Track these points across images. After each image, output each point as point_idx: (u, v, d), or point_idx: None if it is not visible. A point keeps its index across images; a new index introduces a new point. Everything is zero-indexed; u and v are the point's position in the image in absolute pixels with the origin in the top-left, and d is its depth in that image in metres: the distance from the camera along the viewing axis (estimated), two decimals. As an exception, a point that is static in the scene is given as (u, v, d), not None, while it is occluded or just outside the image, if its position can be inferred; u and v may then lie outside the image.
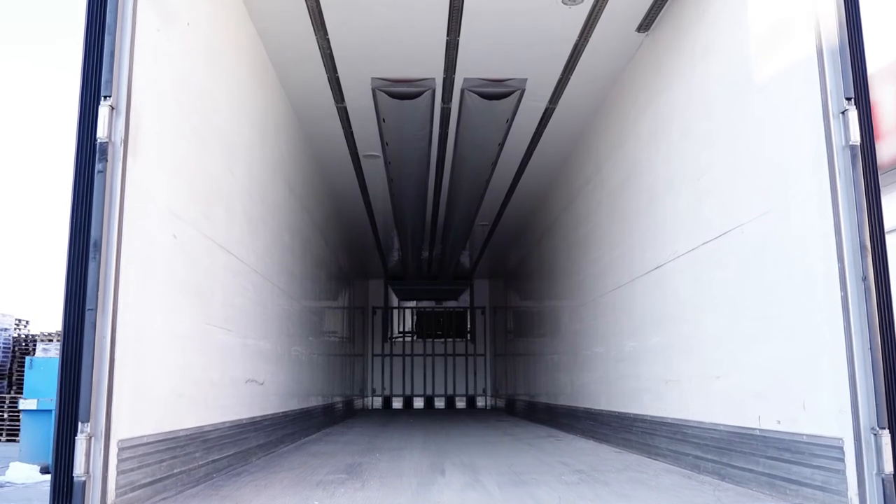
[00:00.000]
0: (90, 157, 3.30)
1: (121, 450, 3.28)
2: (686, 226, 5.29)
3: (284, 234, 7.34)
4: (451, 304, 20.38)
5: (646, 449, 6.09)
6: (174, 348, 4.01)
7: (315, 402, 9.51)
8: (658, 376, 5.87)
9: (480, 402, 19.72)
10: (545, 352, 11.21)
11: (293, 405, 7.76)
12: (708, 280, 4.87)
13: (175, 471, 4.00)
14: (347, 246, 13.64)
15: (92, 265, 3.19)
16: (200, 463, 4.43)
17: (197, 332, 4.45)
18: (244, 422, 5.57)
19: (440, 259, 16.65)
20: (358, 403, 16.84)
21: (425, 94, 7.21)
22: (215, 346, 4.83)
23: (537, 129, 8.35)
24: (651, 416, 6.00)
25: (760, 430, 4.14)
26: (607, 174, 7.49)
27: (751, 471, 4.23)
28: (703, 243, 4.95)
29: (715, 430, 4.73)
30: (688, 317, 5.24)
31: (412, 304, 20.42)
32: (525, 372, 13.65)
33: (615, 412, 7.12)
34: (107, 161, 3.26)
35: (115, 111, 3.33)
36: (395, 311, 20.30)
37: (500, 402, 17.88)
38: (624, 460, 5.79)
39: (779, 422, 3.95)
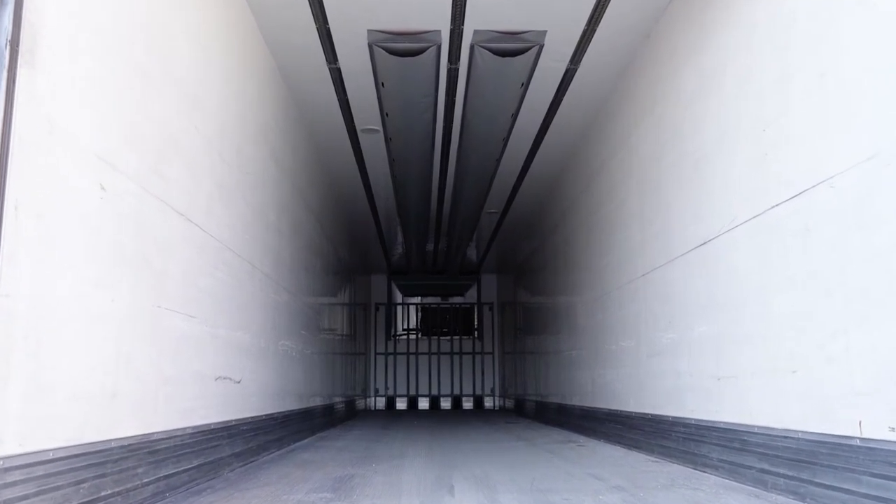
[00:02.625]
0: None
1: (5, 471, 2.37)
2: (745, 189, 4.35)
3: (269, 211, 6.44)
4: (457, 299, 19.45)
5: (690, 458, 5.16)
6: (102, 333, 3.10)
7: (310, 402, 8.60)
8: (706, 372, 4.94)
9: (488, 403, 18.79)
10: (560, 349, 10.27)
11: (281, 406, 6.85)
12: (779, 251, 3.94)
13: (104, 493, 3.09)
14: (348, 237, 12.74)
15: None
16: (145, 480, 3.52)
17: (141, 314, 3.54)
18: (213, 427, 4.66)
19: (446, 252, 15.75)
20: (360, 404, 15.93)
21: (429, 50, 6.29)
22: (171, 334, 3.92)
23: (556, 95, 7.41)
24: (697, 420, 5.07)
25: (862, 439, 3.21)
26: (638, 144, 6.56)
27: (847, 491, 3.30)
28: (771, 207, 4.02)
29: (790, 438, 3.80)
30: (748, 298, 4.31)
31: (416, 300, 19.49)
32: (536, 371, 12.72)
33: (647, 415, 6.19)
34: (-12, 71, 2.36)
35: None
36: (399, 308, 19.38)
37: (509, 403, 16.95)
38: (667, 473, 4.86)
39: (893, 429, 3.01)
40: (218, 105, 4.87)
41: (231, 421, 5.09)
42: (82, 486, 2.89)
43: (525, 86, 7.03)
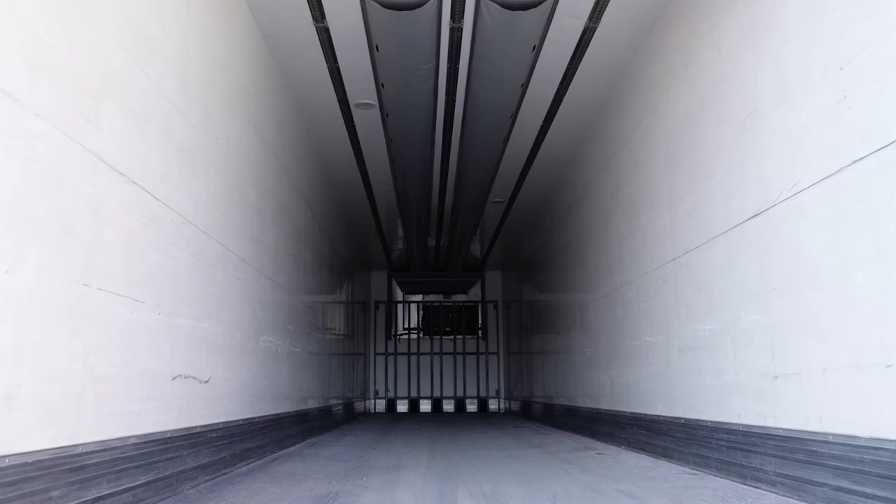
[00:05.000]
0: None
1: None
2: (812, 146, 3.57)
3: (248, 189, 5.67)
4: (460, 297, 18.66)
5: (736, 471, 4.37)
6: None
7: (299, 405, 7.83)
8: (757, 369, 4.16)
9: (493, 405, 18.00)
10: (572, 347, 9.48)
11: (262, 410, 6.07)
12: (862, 218, 3.16)
13: (-10, 528, 2.32)
14: (344, 230, 11.97)
15: None
16: (62, 507, 2.75)
17: (58, 294, 2.77)
18: (170, 435, 3.89)
19: (448, 248, 14.98)
20: (359, 406, 15.16)
21: (429, 4, 5.51)
22: (106, 322, 3.15)
23: (571, 61, 6.63)
24: (745, 426, 4.28)
25: None
26: (666, 113, 5.78)
27: (977, 523, 2.51)
28: (850, 164, 3.24)
29: (882, 449, 3.01)
30: (817, 279, 3.52)
31: (418, 297, 18.71)
32: (545, 371, 11.93)
33: (679, 419, 5.40)
34: None
35: None
36: (400, 306, 18.60)
37: (515, 405, 16.17)
38: (713, 490, 4.07)
39: None
40: (177, 52, 4.10)
41: (195, 428, 4.31)
42: (-50, 521, 2.12)
43: (537, 49, 6.25)
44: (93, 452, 3.00)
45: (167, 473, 3.82)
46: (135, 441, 3.43)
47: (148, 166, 3.63)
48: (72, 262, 2.87)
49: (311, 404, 8.72)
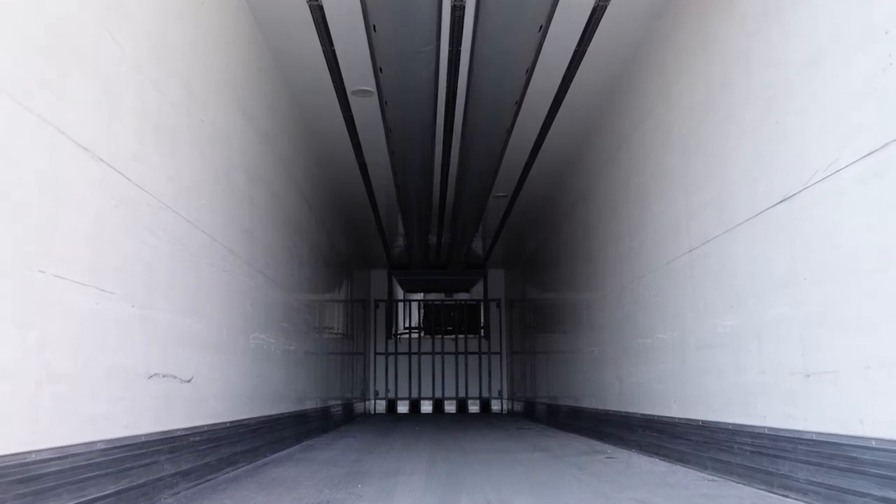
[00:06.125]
0: None
1: None
2: (853, 120, 3.23)
3: (237, 176, 5.34)
4: (462, 296, 18.31)
5: (762, 478, 4.03)
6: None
7: (295, 406, 7.50)
8: (786, 367, 3.82)
9: (496, 406, 17.66)
10: (579, 346, 9.14)
11: (253, 411, 5.74)
12: (915, 197, 2.82)
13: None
14: (343, 226, 11.64)
15: None
16: (9, 523, 2.41)
17: (6, 280, 2.44)
18: (146, 439, 3.55)
19: (450, 245, 14.64)
20: (359, 407, 14.83)
21: (429, -21, 5.18)
22: (66, 313, 2.82)
23: (580, 42, 6.29)
24: (772, 429, 3.94)
25: None
26: (680, 97, 5.45)
27: None
28: (899, 137, 2.90)
29: (939, 457, 2.68)
30: (859, 266, 3.18)
31: (419, 296, 18.37)
32: (549, 371, 11.59)
33: (696, 421, 5.06)
34: None
35: None
36: (400, 305, 18.26)
37: (518, 406, 15.83)
38: (738, 498, 3.74)
39: None
40: (153, 20, 3.77)
41: (176, 431, 3.98)
42: None
43: (543, 29, 5.90)
44: (50, 460, 2.67)
45: (141, 481, 3.49)
46: (103, 446, 3.09)
47: (119, 142, 3.30)
48: (24, 245, 2.54)
49: (308, 405, 8.40)
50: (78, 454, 2.89)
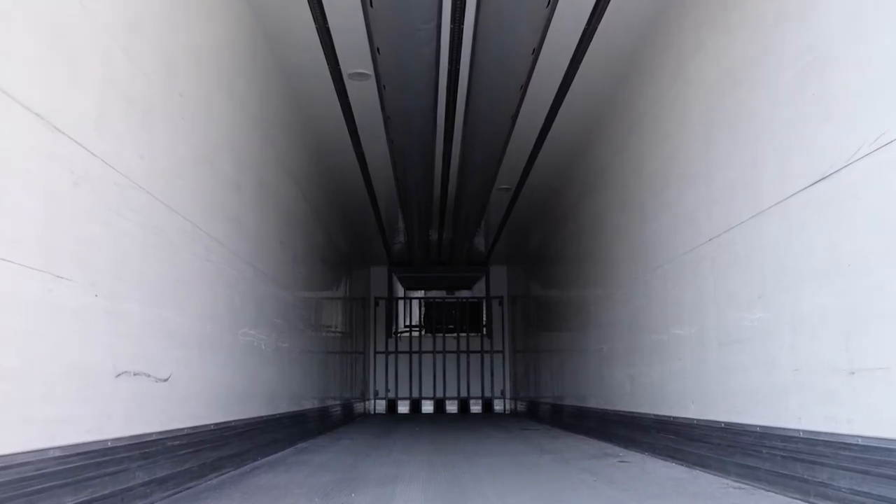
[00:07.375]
0: None
1: None
2: (907, 84, 2.86)
3: (223, 159, 4.97)
4: (464, 293, 17.93)
5: (795, 486, 3.66)
6: None
7: (290, 407, 7.13)
8: (825, 363, 3.44)
9: (498, 406, 17.27)
10: (586, 344, 8.77)
11: (241, 413, 5.37)
12: None
13: None
14: (341, 222, 11.27)
15: None
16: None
17: (-72, 261, 2.07)
18: (112, 445, 3.18)
19: (451, 241, 14.27)
20: (359, 407, 14.47)
21: (429, -53, 4.81)
22: (11, 302, 2.45)
23: (590, 19, 5.91)
24: (808, 432, 3.57)
25: None
26: (698, 74, 5.07)
27: None
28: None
29: None
30: (916, 250, 2.81)
31: (420, 294, 17.99)
32: (554, 370, 11.21)
33: (718, 423, 4.69)
34: None
35: None
36: (401, 303, 17.89)
37: (521, 406, 15.45)
38: (773, 510, 3.36)
39: None
40: (125, -17, 3.40)
41: (150, 434, 3.61)
42: None
43: (552, 4, 5.53)
44: (-12, 471, 2.30)
45: (107, 491, 3.12)
46: (58, 454, 2.72)
47: (78, 110, 2.93)
48: (-46, 220, 2.17)
49: (304, 405, 8.03)
50: (26, 463, 2.52)
